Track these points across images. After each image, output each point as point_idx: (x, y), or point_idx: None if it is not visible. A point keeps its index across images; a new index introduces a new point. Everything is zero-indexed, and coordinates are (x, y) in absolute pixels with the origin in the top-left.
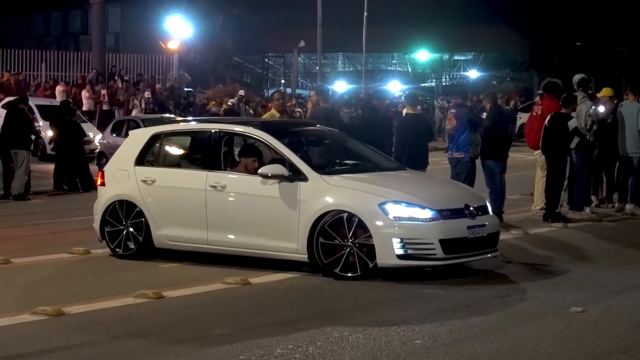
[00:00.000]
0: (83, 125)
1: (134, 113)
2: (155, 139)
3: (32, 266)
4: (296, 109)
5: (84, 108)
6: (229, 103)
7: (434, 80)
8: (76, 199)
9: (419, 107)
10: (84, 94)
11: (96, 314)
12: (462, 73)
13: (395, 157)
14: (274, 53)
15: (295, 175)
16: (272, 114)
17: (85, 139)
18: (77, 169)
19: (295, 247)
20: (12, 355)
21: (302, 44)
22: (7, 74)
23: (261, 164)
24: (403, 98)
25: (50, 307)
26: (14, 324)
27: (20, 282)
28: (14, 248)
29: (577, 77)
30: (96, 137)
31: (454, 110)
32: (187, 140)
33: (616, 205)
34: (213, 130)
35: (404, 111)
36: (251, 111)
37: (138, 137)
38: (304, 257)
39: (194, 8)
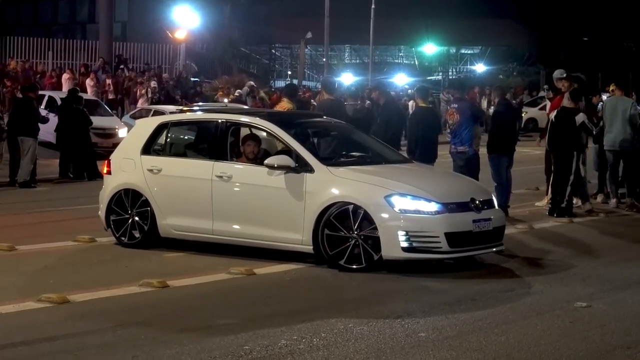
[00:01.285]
0: (109, 118)
1: (140, 102)
2: (161, 128)
3: (37, 254)
4: (312, 101)
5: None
6: (236, 93)
7: (441, 74)
8: (82, 187)
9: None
10: (88, 82)
11: (101, 302)
12: (468, 67)
13: (408, 150)
14: (280, 44)
15: (302, 166)
16: (289, 105)
17: (109, 131)
18: (83, 158)
19: (300, 238)
20: (16, 342)
21: (309, 35)
22: (13, 62)
23: (267, 154)
24: (415, 91)
25: (55, 294)
26: (18, 311)
27: (25, 270)
28: (19, 235)
29: (560, 73)
30: (120, 131)
31: (455, 105)
32: (195, 130)
33: (612, 201)
34: (220, 121)
35: (410, 104)
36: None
37: (145, 126)
38: (309, 248)
39: None
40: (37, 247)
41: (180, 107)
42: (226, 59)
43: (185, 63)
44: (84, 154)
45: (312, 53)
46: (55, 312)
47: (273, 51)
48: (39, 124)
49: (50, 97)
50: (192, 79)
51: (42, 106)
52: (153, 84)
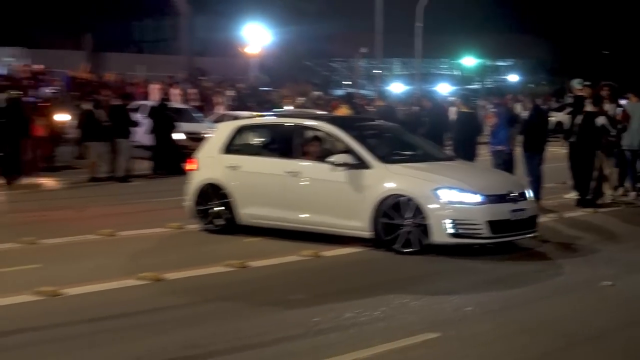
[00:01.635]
0: (199, 124)
1: (218, 109)
2: (239, 130)
3: (134, 238)
4: (366, 107)
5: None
6: (299, 101)
7: (479, 83)
8: (171, 181)
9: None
10: (175, 92)
11: (190, 280)
12: (503, 77)
13: (453, 149)
14: (339, 58)
15: (361, 163)
16: (347, 111)
17: (199, 136)
18: (170, 156)
19: (360, 225)
20: (118, 314)
21: (364, 50)
22: (109, 74)
23: (329, 153)
24: (458, 98)
25: (151, 273)
26: (120, 287)
27: (124, 252)
28: (118, 223)
29: (578, 82)
30: (209, 135)
31: (494, 110)
32: (267, 132)
33: (631, 194)
34: (289, 124)
35: (452, 109)
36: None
37: (225, 129)
38: (368, 234)
39: (271, 17)
40: (134, 233)
41: (257, 113)
42: (293, 71)
43: (256, 74)
44: (171, 153)
45: (366, 65)
46: (151, 288)
47: (332, 64)
48: (132, 128)
49: (151, 107)
50: (261, 88)
51: (144, 114)
52: (229, 92)
